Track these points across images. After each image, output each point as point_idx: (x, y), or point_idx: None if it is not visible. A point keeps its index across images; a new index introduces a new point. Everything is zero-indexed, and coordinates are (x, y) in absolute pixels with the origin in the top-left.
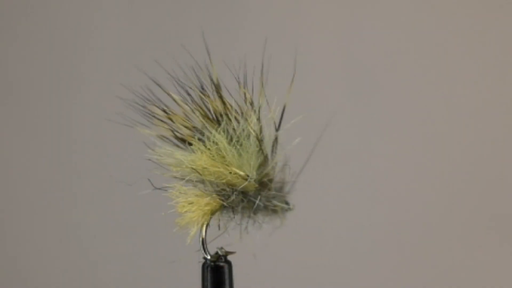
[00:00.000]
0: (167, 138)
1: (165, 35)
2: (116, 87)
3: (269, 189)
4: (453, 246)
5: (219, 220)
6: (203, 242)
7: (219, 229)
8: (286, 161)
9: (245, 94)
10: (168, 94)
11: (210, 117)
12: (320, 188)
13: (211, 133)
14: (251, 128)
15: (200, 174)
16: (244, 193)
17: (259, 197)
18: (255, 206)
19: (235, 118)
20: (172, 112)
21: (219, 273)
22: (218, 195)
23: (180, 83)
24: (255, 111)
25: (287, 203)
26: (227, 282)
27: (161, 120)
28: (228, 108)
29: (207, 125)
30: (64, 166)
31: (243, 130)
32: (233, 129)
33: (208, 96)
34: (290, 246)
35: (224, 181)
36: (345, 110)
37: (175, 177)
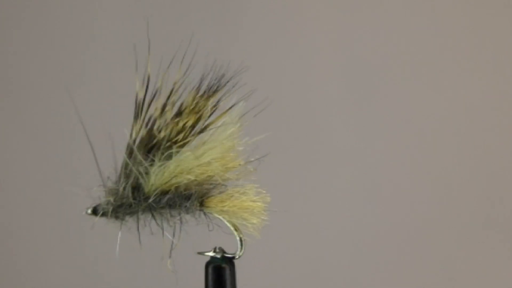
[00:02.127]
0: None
1: (165, 35)
2: (116, 86)
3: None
4: (451, 245)
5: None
6: (241, 240)
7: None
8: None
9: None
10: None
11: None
12: (319, 187)
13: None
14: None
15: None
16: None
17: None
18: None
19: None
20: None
21: (223, 274)
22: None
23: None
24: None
25: None
26: (229, 282)
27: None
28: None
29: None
30: (64, 165)
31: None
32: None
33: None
34: (291, 246)
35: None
36: (344, 110)
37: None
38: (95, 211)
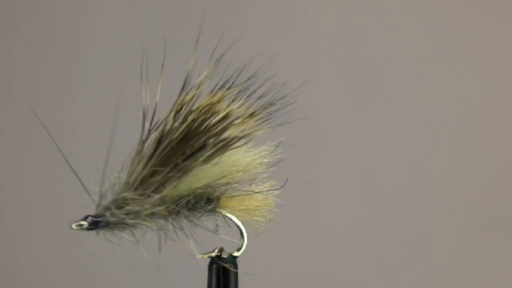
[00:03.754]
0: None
1: (166, 36)
2: (117, 85)
3: None
4: (451, 245)
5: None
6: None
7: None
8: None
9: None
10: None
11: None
12: (319, 187)
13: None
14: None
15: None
16: None
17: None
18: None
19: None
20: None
21: (227, 274)
22: None
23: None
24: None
25: None
26: (232, 282)
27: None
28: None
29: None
30: (64, 165)
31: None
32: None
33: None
34: (291, 245)
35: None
36: (344, 110)
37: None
38: (98, 224)
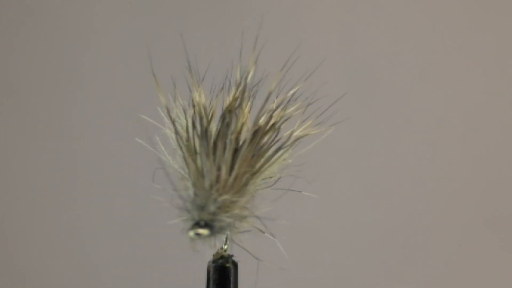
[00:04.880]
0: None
1: (167, 35)
2: (118, 85)
3: None
4: (452, 245)
5: None
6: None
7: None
8: None
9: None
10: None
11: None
12: (319, 188)
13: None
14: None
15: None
16: None
17: None
18: None
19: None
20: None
21: (226, 274)
22: None
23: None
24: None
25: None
26: (232, 282)
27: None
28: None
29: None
30: (65, 165)
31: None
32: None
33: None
34: (291, 245)
35: None
36: (344, 110)
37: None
38: (216, 230)
